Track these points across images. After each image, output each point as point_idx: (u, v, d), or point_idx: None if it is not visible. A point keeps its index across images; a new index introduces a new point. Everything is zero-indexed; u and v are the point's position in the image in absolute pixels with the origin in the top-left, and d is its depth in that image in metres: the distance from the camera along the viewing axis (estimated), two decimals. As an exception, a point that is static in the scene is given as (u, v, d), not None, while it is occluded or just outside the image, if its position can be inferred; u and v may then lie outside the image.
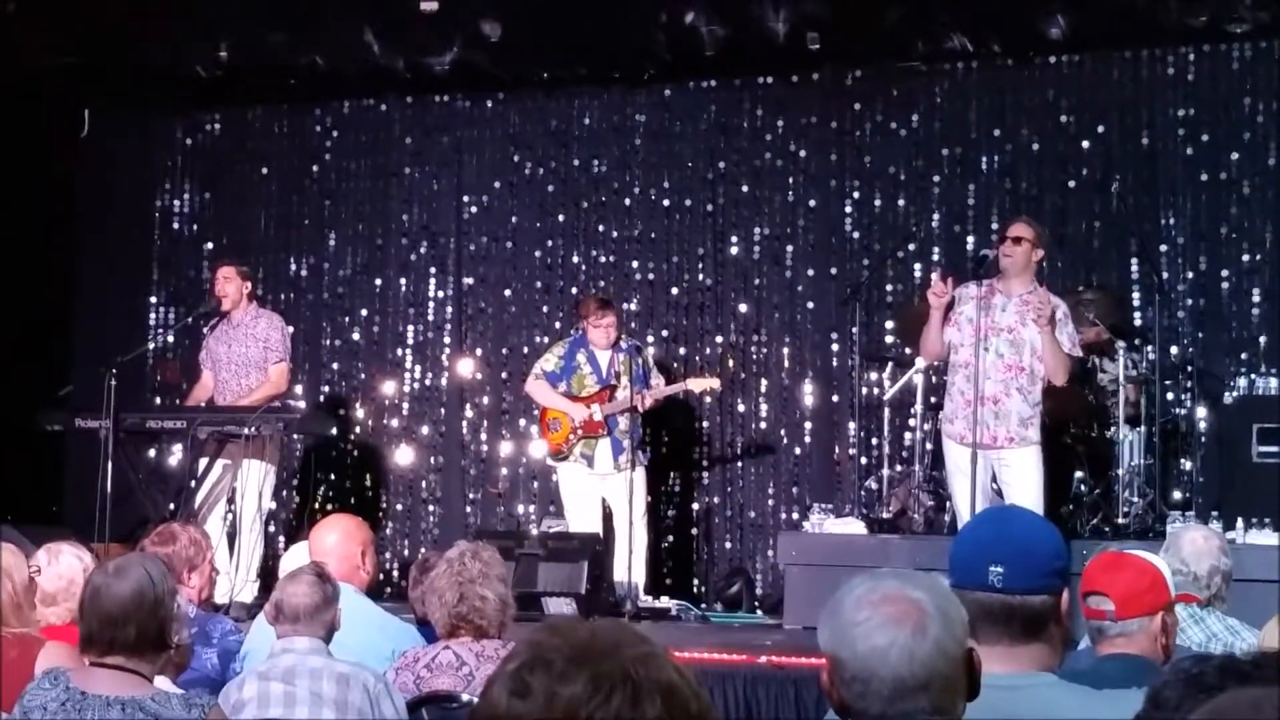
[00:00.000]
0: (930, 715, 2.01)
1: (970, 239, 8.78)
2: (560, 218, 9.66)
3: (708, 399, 9.08)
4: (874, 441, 8.66)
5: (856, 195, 9.16)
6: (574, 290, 9.54)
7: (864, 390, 8.66)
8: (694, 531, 9.22)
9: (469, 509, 9.60)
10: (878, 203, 9.13)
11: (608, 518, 7.97)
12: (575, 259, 9.63)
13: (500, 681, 1.44)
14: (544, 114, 9.75)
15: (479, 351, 9.71)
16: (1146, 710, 1.29)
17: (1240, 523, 7.07)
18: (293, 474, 9.61)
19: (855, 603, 2.07)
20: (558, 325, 9.51)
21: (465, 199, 9.83)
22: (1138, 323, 8.43)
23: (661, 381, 8.23)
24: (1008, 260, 6.78)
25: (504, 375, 9.63)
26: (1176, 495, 8.03)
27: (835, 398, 9.06)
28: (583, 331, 8.17)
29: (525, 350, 9.48)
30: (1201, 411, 8.16)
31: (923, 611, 2.04)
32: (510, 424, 9.55)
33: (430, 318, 9.83)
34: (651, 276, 9.49)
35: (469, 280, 9.79)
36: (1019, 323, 6.76)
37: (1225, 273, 8.48)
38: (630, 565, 7.53)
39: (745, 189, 9.38)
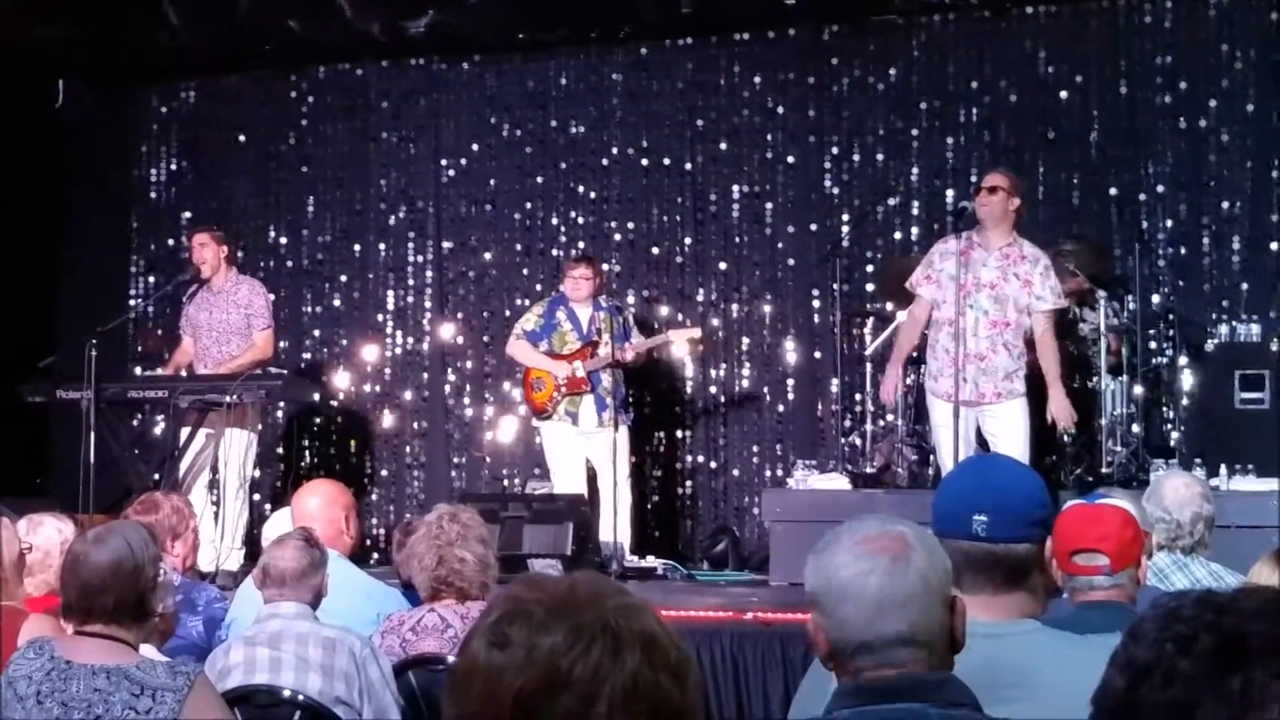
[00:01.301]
0: (910, 643, 2.01)
1: (950, 192, 8.76)
2: (539, 179, 9.62)
3: (688, 359, 9.06)
4: (857, 397, 8.66)
5: (835, 151, 9.13)
6: (555, 253, 9.52)
7: (846, 346, 8.65)
8: (679, 491, 9.23)
9: (454, 473, 9.60)
10: (856, 158, 9.10)
11: (592, 478, 7.97)
12: (555, 220, 9.60)
13: (479, 634, 1.44)
14: (521, 75, 9.70)
15: (460, 315, 9.69)
16: (1125, 643, 1.29)
17: (1224, 469, 7.10)
18: (276, 441, 9.59)
19: (838, 540, 2.09)
20: (538, 288, 9.48)
21: (443, 162, 9.79)
22: (1118, 272, 8.42)
23: (642, 339, 8.21)
24: (984, 210, 6.79)
25: (485, 339, 9.61)
26: (1159, 444, 8.05)
27: (817, 354, 9.05)
28: (562, 291, 8.14)
29: (507, 313, 9.46)
30: (1183, 360, 8.17)
31: (905, 543, 2.06)
32: (493, 387, 9.54)
33: (410, 282, 9.79)
34: (632, 236, 9.46)
35: (449, 244, 9.75)
36: (1001, 278, 6.77)
37: (1205, 221, 8.47)
38: (615, 525, 7.53)
39: (724, 147, 9.34)
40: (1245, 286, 8.30)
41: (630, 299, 9.22)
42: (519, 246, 9.64)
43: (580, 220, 9.56)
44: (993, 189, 6.82)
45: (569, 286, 8.04)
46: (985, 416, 6.86)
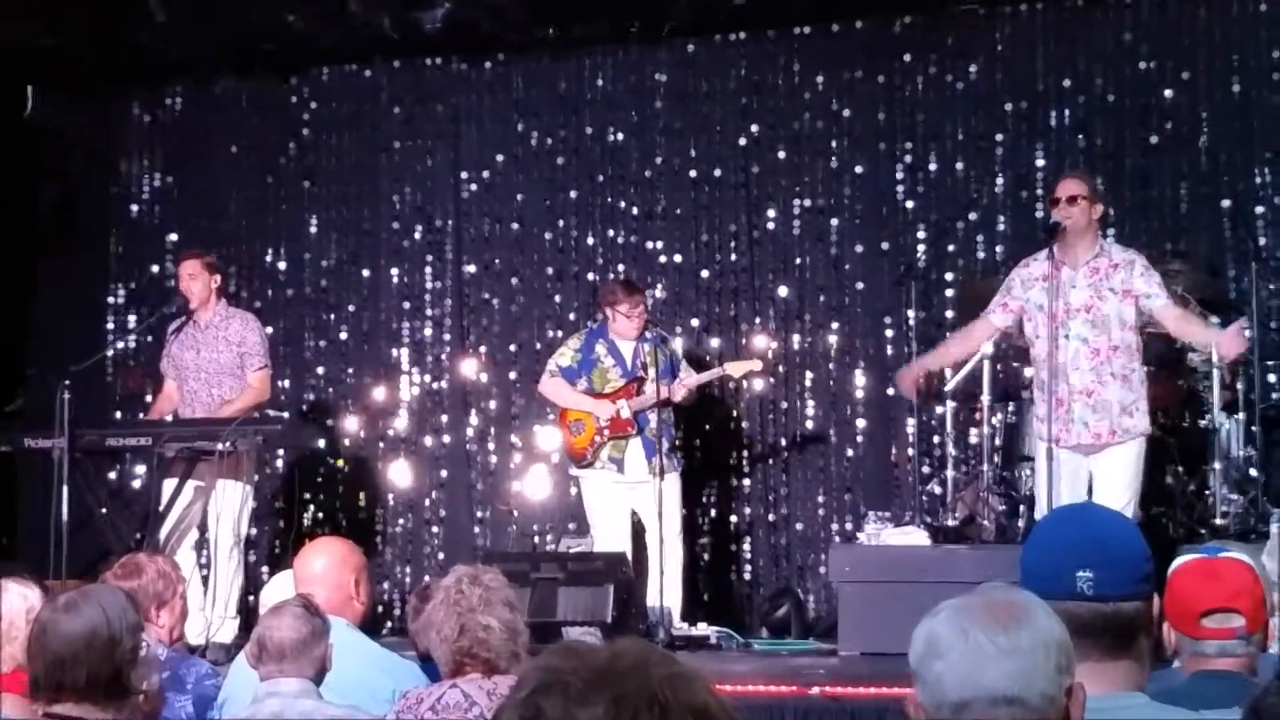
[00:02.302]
0: (1013, 703, 2.01)
1: (1039, 206, 8.74)
2: (572, 194, 9.67)
3: (745, 395, 9.06)
4: (935, 439, 8.63)
5: (909, 159, 9.14)
6: (590, 276, 9.55)
7: (923, 381, 8.63)
8: (734, 548, 9.21)
9: (477, 529, 9.62)
10: (933, 167, 9.11)
11: (639, 534, 7.97)
12: (590, 240, 9.64)
13: (510, 709, 1.46)
14: (551, 76, 9.76)
15: (484, 349, 9.73)
16: (1247, 720, 1.28)
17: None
18: (275, 495, 9.64)
19: (948, 604, 2.09)
20: (572, 316, 9.51)
21: (464, 176, 9.85)
22: (1232, 295, 8.39)
23: (693, 374, 8.22)
24: (1069, 222, 6.78)
25: (513, 376, 9.64)
26: (1280, 490, 8.00)
27: (890, 391, 9.02)
28: (602, 321, 8.17)
29: (537, 346, 9.49)
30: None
31: (1025, 607, 2.07)
32: (522, 431, 9.56)
33: (428, 312, 9.85)
34: (678, 258, 9.48)
35: (471, 268, 9.80)
36: (1095, 297, 6.74)
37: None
38: (663, 588, 7.52)
39: (782, 155, 9.36)
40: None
41: (678, 329, 9.24)
42: (550, 270, 9.68)
43: (619, 240, 9.60)
44: (1073, 199, 6.81)
45: (624, 326, 8.00)
46: (1098, 462, 6.81)
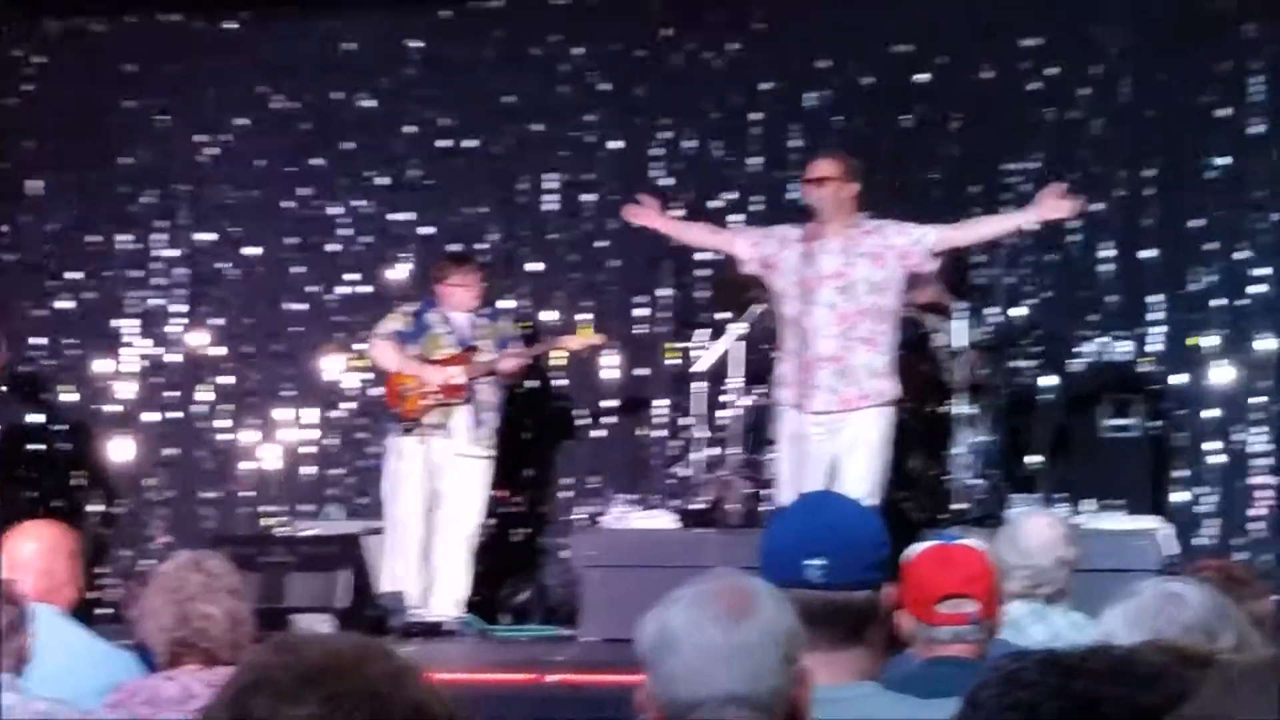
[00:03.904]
0: (742, 703, 2.04)
1: (790, 187, 8.89)
2: (318, 161, 9.52)
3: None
4: (685, 421, 8.74)
5: (666, 135, 9.21)
6: (335, 248, 9.44)
7: (674, 361, 8.73)
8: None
9: (205, 510, 9.42)
10: (690, 144, 9.19)
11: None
12: (336, 210, 9.51)
13: (217, 708, 1.44)
14: (298, 38, 9.61)
15: (218, 321, 9.52)
16: (964, 712, 1.32)
17: (1089, 504, 7.36)
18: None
19: (679, 594, 2.12)
20: (315, 289, 9.38)
21: (201, 139, 9.63)
22: (979, 281, 8.66)
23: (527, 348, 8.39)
24: (819, 204, 6.89)
25: (249, 349, 9.46)
26: (1021, 477, 8.29)
27: (641, 371, 9.11)
28: (436, 296, 8.22)
29: (275, 320, 9.33)
30: (1048, 380, 8.43)
31: (752, 598, 2.11)
32: (259, 409, 9.40)
33: (159, 281, 9.61)
34: (429, 231, 9.41)
35: (206, 236, 9.59)
36: (846, 264, 6.84)
37: (1074, 223, 8.72)
38: (434, 567, 7.59)
39: (537, 128, 9.35)
40: (1116, 298, 8.61)
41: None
42: (292, 240, 9.52)
43: (367, 211, 9.49)
44: (822, 180, 6.91)
45: (458, 296, 8.14)
46: (844, 432, 6.89)
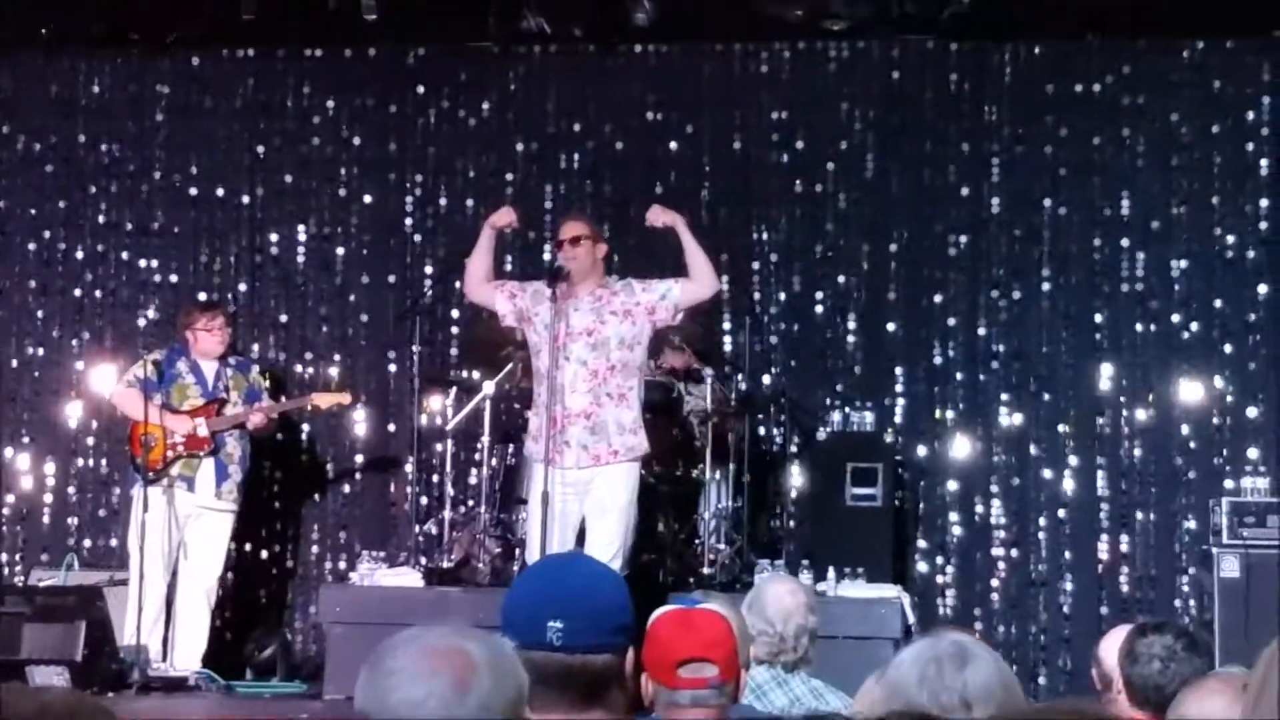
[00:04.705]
0: None
1: (547, 248, 9.03)
2: (60, 204, 9.38)
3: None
4: (435, 479, 8.78)
5: (419, 192, 9.29)
6: (77, 293, 9.29)
7: (424, 419, 8.76)
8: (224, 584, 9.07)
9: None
10: (443, 201, 9.28)
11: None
12: (79, 254, 9.37)
13: None
14: (43, 78, 9.44)
15: (-47, 365, 9.28)
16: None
17: (832, 572, 7.59)
18: None
19: (394, 652, 2.11)
20: (55, 334, 9.21)
21: (-62, 177, 9.39)
22: (728, 348, 8.90)
23: (273, 403, 8.35)
24: (573, 264, 7.02)
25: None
26: (766, 541, 8.52)
27: (391, 426, 9.13)
28: (185, 343, 8.17)
29: (15, 364, 9.17)
30: (794, 448, 8.70)
31: (470, 663, 2.09)
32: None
33: (-112, 323, 9.31)
34: (174, 278, 9.32)
35: (-59, 277, 9.34)
36: (597, 321, 6.97)
37: (820, 295, 9.03)
38: (142, 627, 7.43)
39: (289, 179, 9.35)
40: (859, 369, 8.92)
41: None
42: (32, 283, 9.36)
43: (110, 256, 9.36)
44: (575, 239, 7.06)
45: (206, 343, 8.14)
46: (591, 488, 6.96)
